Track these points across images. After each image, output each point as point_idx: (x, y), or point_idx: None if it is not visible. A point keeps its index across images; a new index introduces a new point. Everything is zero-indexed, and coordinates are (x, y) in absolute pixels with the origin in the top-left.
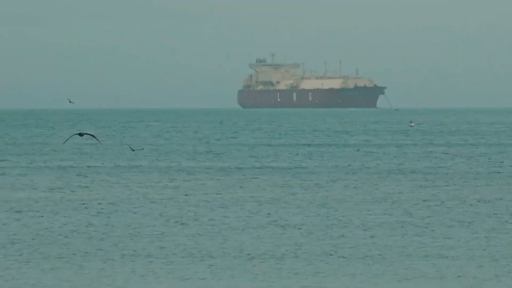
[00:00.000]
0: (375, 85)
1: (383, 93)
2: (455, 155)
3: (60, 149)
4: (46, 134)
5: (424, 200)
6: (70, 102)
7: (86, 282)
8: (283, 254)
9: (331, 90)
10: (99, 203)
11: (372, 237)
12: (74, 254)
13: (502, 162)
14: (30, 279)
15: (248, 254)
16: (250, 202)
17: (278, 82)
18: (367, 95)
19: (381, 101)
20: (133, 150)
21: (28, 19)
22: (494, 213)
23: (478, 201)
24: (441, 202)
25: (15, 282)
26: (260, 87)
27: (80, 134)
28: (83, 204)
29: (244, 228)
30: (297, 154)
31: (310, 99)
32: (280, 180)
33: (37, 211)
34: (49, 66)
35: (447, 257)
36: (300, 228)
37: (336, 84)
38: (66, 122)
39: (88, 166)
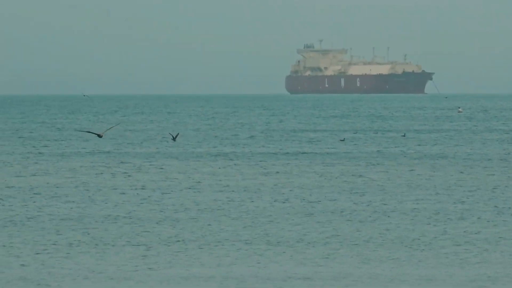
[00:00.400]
0: (423, 70)
1: (431, 79)
2: (496, 140)
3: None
4: (92, 120)
5: (465, 186)
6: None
7: (127, 267)
8: (324, 240)
9: (379, 76)
10: (141, 188)
11: (413, 222)
12: (114, 239)
13: None
14: (72, 264)
15: (288, 241)
16: (290, 188)
17: (326, 68)
18: (415, 81)
19: (429, 87)
20: (174, 140)
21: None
22: None
23: None
24: (482, 188)
25: (57, 266)
26: (308, 73)
27: (99, 136)
28: (121, 189)
29: (283, 214)
30: (343, 139)
31: (358, 84)
32: (322, 166)
33: (76, 196)
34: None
35: (489, 242)
36: (341, 214)
37: (384, 70)
38: (110, 107)
39: (128, 152)
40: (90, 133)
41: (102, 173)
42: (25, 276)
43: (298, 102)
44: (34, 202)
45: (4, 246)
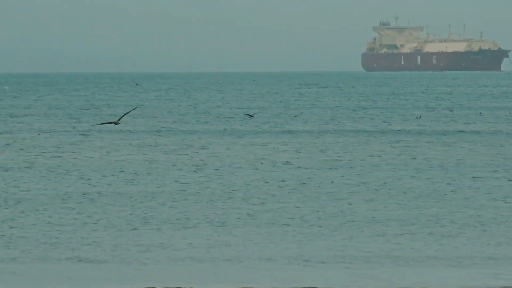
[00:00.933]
0: (499, 48)
1: (507, 56)
2: None
3: (176, 111)
4: (162, 97)
5: None
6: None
7: (200, 245)
8: (400, 219)
9: (455, 53)
10: (203, 165)
11: (488, 200)
12: (187, 218)
13: None
14: (133, 239)
15: (359, 218)
16: (361, 166)
17: (402, 45)
18: (491, 58)
19: (505, 64)
20: (251, 116)
21: None
22: None
23: None
24: None
25: (109, 243)
26: (384, 50)
27: (115, 123)
28: (184, 167)
29: (351, 192)
30: (420, 117)
31: (434, 62)
32: (396, 143)
33: (141, 174)
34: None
35: None
36: (415, 192)
37: (460, 47)
38: (181, 85)
39: (193, 131)
40: (106, 124)
41: (167, 152)
42: (79, 254)
43: (373, 79)
44: (98, 178)
45: (63, 223)
